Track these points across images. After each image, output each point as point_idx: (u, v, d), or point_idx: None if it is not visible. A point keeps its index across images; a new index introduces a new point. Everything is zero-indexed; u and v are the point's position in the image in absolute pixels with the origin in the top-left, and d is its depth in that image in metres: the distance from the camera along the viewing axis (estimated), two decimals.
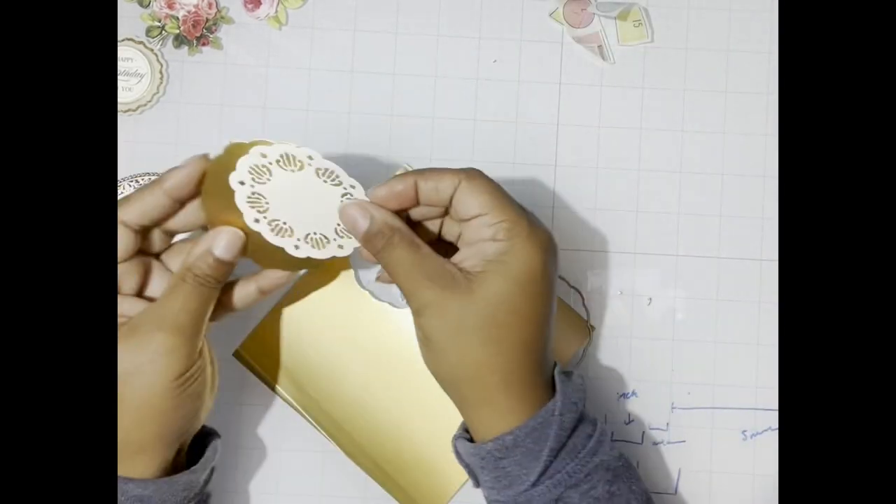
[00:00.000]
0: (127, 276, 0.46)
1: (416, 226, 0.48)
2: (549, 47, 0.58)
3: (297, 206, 0.46)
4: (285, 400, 0.55)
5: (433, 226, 0.48)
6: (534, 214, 0.46)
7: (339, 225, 0.47)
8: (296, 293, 0.55)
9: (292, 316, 0.55)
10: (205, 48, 0.57)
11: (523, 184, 0.57)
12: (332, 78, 0.57)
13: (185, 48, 0.57)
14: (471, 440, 0.47)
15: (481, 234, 0.45)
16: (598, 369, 0.56)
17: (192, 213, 0.46)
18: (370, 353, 0.55)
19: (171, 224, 0.46)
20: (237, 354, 0.55)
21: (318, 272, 0.55)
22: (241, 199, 0.45)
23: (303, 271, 0.53)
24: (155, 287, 0.47)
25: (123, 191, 0.55)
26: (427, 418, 0.54)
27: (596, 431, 0.46)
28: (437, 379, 0.46)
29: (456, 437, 0.48)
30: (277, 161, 0.47)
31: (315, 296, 0.55)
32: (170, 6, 0.57)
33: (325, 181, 0.48)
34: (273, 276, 0.48)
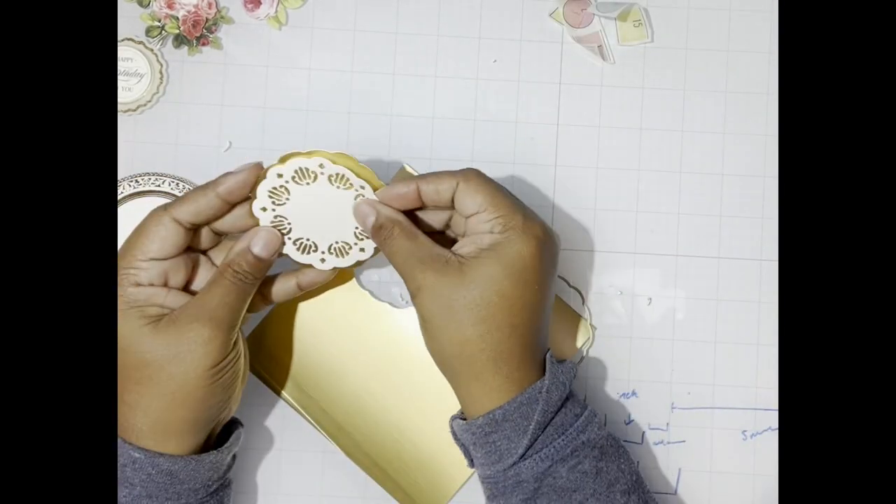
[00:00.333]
0: (175, 270, 0.48)
1: (422, 222, 0.51)
2: (549, 47, 0.58)
3: (316, 219, 0.49)
4: (285, 400, 0.55)
5: (440, 222, 0.51)
6: (531, 210, 0.49)
7: (357, 227, 0.50)
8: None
9: (293, 316, 0.55)
10: (205, 48, 0.57)
11: (523, 184, 0.57)
12: (332, 78, 0.57)
13: (185, 48, 0.57)
14: (465, 420, 0.49)
15: (480, 227, 0.48)
16: (598, 369, 0.56)
17: (241, 216, 0.49)
18: (370, 353, 0.55)
19: (221, 225, 0.49)
20: None
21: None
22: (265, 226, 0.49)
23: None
24: (200, 282, 0.50)
25: (123, 191, 0.55)
26: (427, 418, 0.54)
27: (584, 412, 0.48)
28: (433, 358, 0.49)
29: (452, 419, 0.50)
30: (293, 178, 0.49)
31: (315, 296, 0.55)
32: (170, 6, 0.57)
33: (339, 187, 0.49)
34: (312, 274, 0.51)
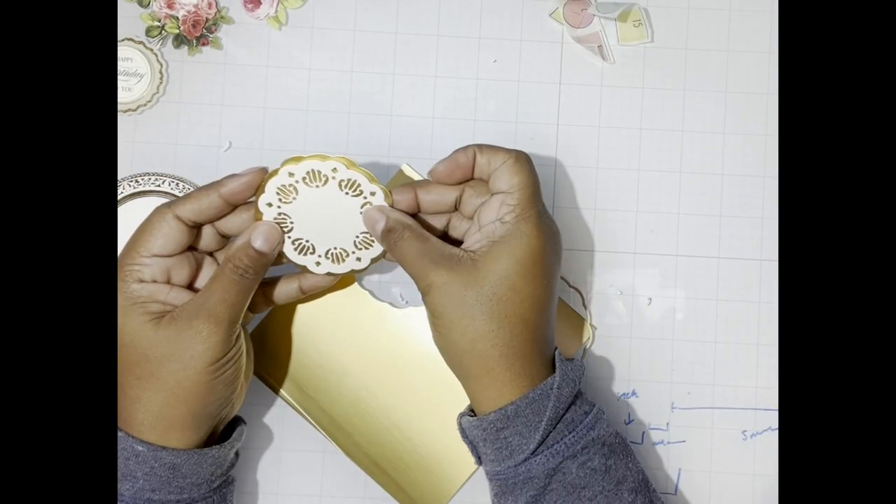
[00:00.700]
0: (179, 268, 0.48)
1: (426, 223, 0.51)
2: (549, 47, 0.58)
3: (319, 222, 0.49)
4: (285, 400, 0.55)
5: (441, 222, 0.51)
6: (547, 211, 0.49)
7: (357, 237, 0.50)
8: None
9: (292, 316, 0.55)
10: (205, 48, 0.57)
11: None
12: (332, 78, 0.57)
13: (185, 48, 0.57)
14: (474, 417, 0.49)
15: (491, 215, 0.48)
16: (598, 369, 0.56)
17: (247, 219, 0.49)
18: (370, 353, 0.55)
19: (227, 227, 0.49)
20: None
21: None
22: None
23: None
24: (203, 281, 0.50)
25: (123, 191, 0.55)
26: (427, 418, 0.55)
27: (593, 409, 0.49)
28: (443, 355, 0.49)
29: (461, 415, 0.50)
30: (304, 178, 0.49)
31: (315, 296, 0.55)
32: (170, 6, 0.57)
33: (347, 193, 0.49)
34: (315, 278, 0.51)
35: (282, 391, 0.55)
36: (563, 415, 0.47)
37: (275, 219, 0.49)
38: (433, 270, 0.47)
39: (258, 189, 0.48)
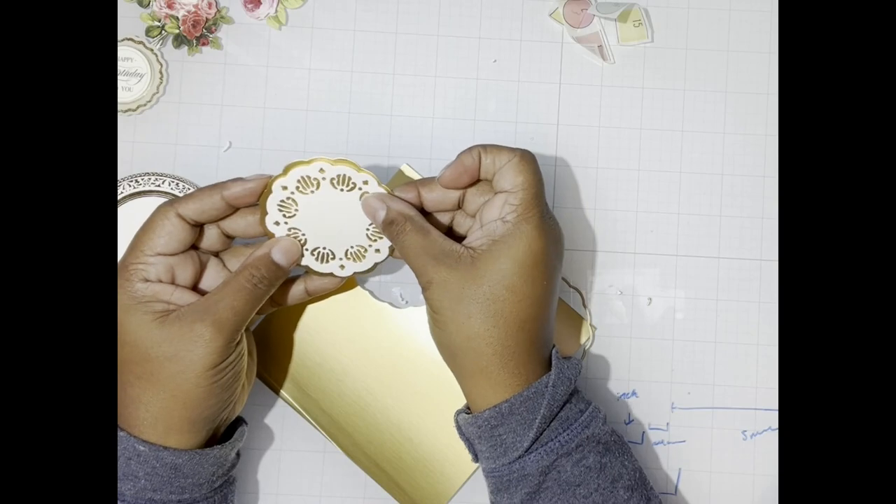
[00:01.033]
0: (183, 267, 0.48)
1: (430, 218, 0.51)
2: (549, 47, 0.58)
3: (328, 226, 0.50)
4: (285, 400, 0.55)
5: (445, 219, 0.51)
6: (551, 211, 0.49)
7: (368, 229, 0.50)
8: None
9: (293, 316, 0.55)
10: (205, 48, 0.57)
11: None
12: (332, 78, 0.57)
13: (185, 48, 0.57)
14: (470, 414, 0.49)
15: (494, 213, 0.48)
16: (598, 369, 0.56)
17: (252, 222, 0.50)
18: (370, 353, 0.55)
19: (232, 229, 0.50)
20: None
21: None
22: None
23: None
24: (208, 282, 0.50)
25: (123, 191, 0.55)
26: (427, 418, 0.55)
27: (589, 408, 0.49)
28: (440, 351, 0.49)
29: (458, 413, 0.50)
30: (297, 188, 0.49)
31: (321, 297, 0.54)
32: (170, 6, 0.57)
33: (342, 189, 0.49)
34: (320, 280, 0.52)
35: (282, 391, 0.55)
36: (558, 413, 0.48)
37: (287, 236, 0.50)
38: (433, 267, 0.47)
39: (261, 201, 0.49)
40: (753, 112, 0.57)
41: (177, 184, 0.56)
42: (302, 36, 0.57)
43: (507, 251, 0.47)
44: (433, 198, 0.50)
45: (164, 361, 0.45)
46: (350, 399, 0.55)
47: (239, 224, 0.50)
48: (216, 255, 0.51)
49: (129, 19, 0.57)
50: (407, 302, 0.56)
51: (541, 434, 0.47)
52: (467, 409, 0.50)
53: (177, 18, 0.57)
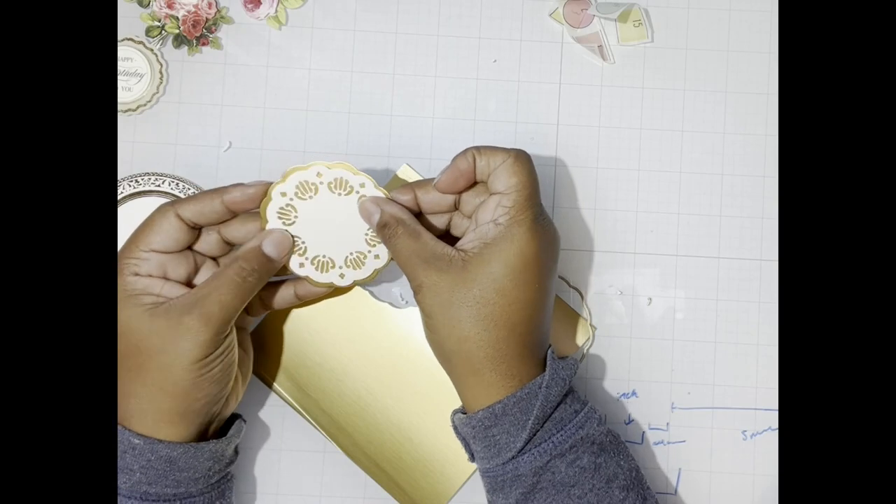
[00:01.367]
0: (175, 265, 0.49)
1: (427, 220, 0.51)
2: (549, 47, 0.58)
3: (327, 232, 0.50)
4: (285, 400, 0.55)
5: (442, 220, 0.51)
6: (546, 213, 0.49)
7: (367, 234, 0.50)
8: None
9: (292, 316, 0.55)
10: (205, 48, 0.57)
11: None
12: (332, 78, 0.57)
13: (185, 48, 0.57)
14: (465, 415, 0.49)
15: (487, 216, 0.48)
16: (598, 369, 0.56)
17: (253, 230, 0.50)
18: (370, 353, 0.55)
19: (230, 233, 0.50)
20: None
21: None
22: None
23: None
24: (200, 280, 0.50)
25: (123, 191, 0.55)
26: (427, 418, 0.55)
27: (584, 408, 0.49)
28: (434, 352, 0.49)
29: (454, 412, 0.50)
30: (296, 194, 0.49)
31: (311, 301, 0.54)
32: (170, 6, 0.57)
33: (340, 194, 0.49)
34: (309, 285, 0.52)
35: (282, 391, 0.55)
36: (552, 413, 0.48)
37: None
38: (423, 271, 0.47)
39: (262, 208, 0.49)
40: (753, 112, 0.57)
41: (177, 184, 0.56)
42: (302, 36, 0.57)
43: (498, 254, 0.46)
44: (430, 199, 0.50)
45: (152, 353, 0.46)
46: (350, 399, 0.55)
47: (239, 231, 0.50)
48: (214, 259, 0.51)
49: (129, 19, 0.57)
50: (407, 302, 0.56)
51: (534, 435, 0.47)
52: (463, 410, 0.50)
53: (177, 18, 0.57)
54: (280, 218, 0.49)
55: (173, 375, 0.46)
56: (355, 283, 0.51)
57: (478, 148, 0.49)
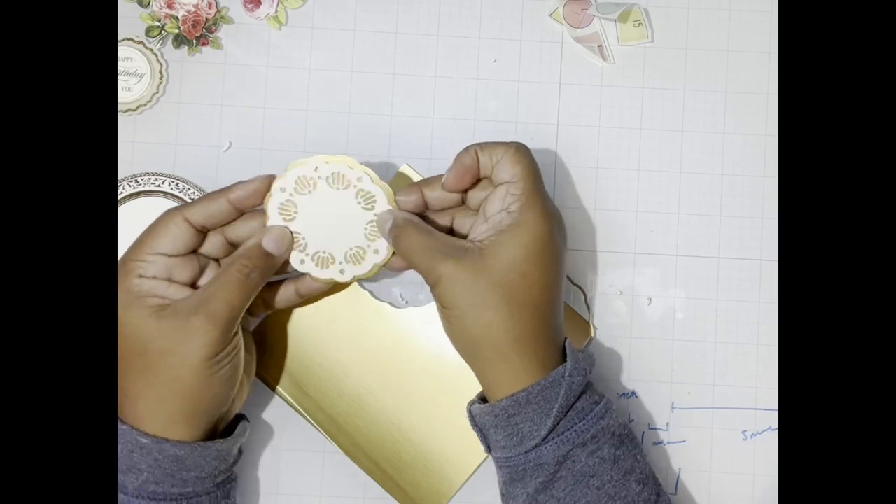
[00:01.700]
0: (181, 268, 0.49)
1: (431, 222, 0.52)
2: (549, 47, 0.58)
3: (326, 227, 0.50)
4: (285, 400, 0.55)
5: (446, 221, 0.52)
6: (550, 198, 0.50)
7: (366, 228, 0.50)
8: None
9: (292, 316, 0.55)
10: (204, 48, 0.57)
11: None
12: (332, 78, 0.57)
13: (185, 48, 0.57)
14: (485, 404, 0.49)
15: (496, 205, 0.49)
16: (599, 369, 0.56)
17: (257, 228, 0.50)
18: (370, 353, 0.55)
19: (234, 234, 0.50)
20: None
21: None
22: None
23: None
24: (204, 282, 0.50)
25: (123, 191, 0.55)
26: (427, 418, 0.54)
27: (603, 400, 0.49)
28: (456, 346, 0.49)
29: (471, 403, 0.50)
30: (295, 189, 0.49)
31: (313, 299, 0.54)
32: (170, 6, 0.57)
33: (338, 188, 0.50)
34: (309, 282, 0.52)
35: (282, 391, 0.55)
36: (574, 403, 0.48)
37: None
38: (441, 262, 0.47)
39: (264, 205, 0.49)
40: (753, 112, 0.57)
41: (177, 184, 0.56)
42: (302, 36, 0.57)
43: (516, 239, 0.47)
44: (436, 196, 0.50)
45: (161, 355, 0.46)
46: (350, 399, 0.55)
47: (242, 230, 0.50)
48: (217, 261, 0.51)
49: (129, 19, 0.57)
50: (407, 302, 0.56)
51: (557, 423, 0.47)
52: (480, 400, 0.50)
53: (177, 18, 0.57)
54: (281, 214, 0.49)
55: (182, 376, 0.46)
56: (355, 279, 0.51)
57: (479, 144, 0.50)
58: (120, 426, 0.46)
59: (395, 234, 0.49)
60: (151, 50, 0.56)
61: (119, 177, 0.56)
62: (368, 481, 0.55)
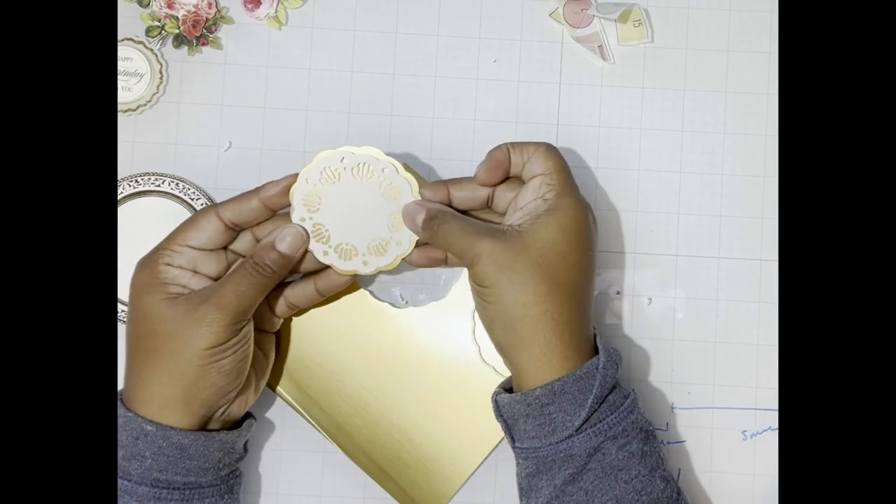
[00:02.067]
0: (208, 261, 0.50)
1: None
2: (549, 47, 0.58)
3: (350, 218, 0.50)
4: (285, 400, 0.55)
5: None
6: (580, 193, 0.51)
7: (389, 220, 0.50)
8: None
9: (293, 317, 0.55)
10: (204, 48, 0.57)
11: None
12: (332, 78, 0.57)
13: (185, 48, 0.57)
14: (512, 394, 0.49)
15: (530, 195, 0.49)
16: None
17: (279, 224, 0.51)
18: (370, 353, 0.55)
19: (262, 233, 0.51)
20: None
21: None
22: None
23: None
24: None
25: (123, 191, 0.55)
26: (428, 418, 0.54)
27: (631, 394, 0.49)
28: (491, 328, 0.49)
29: (496, 394, 0.50)
30: (320, 180, 0.50)
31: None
32: (170, 6, 0.57)
33: (362, 180, 0.50)
34: (330, 279, 0.52)
35: (282, 391, 0.55)
36: (607, 396, 0.48)
37: (312, 231, 0.50)
38: (479, 241, 0.48)
39: (290, 197, 0.50)
40: (753, 112, 0.57)
41: (177, 184, 0.56)
42: (302, 36, 0.57)
43: (554, 221, 0.48)
44: (462, 196, 0.51)
45: (166, 337, 0.47)
46: (350, 399, 0.55)
47: (268, 229, 0.51)
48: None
49: (129, 19, 0.57)
50: (407, 302, 0.56)
51: (591, 415, 0.47)
52: (505, 390, 0.50)
53: (177, 18, 0.57)
54: (305, 205, 0.50)
55: (183, 360, 0.47)
56: (378, 271, 0.51)
57: (510, 143, 0.50)
58: (125, 413, 0.47)
59: (432, 221, 0.49)
60: (151, 50, 0.56)
61: (119, 177, 0.56)
62: (368, 481, 0.55)
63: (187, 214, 0.54)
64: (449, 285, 0.55)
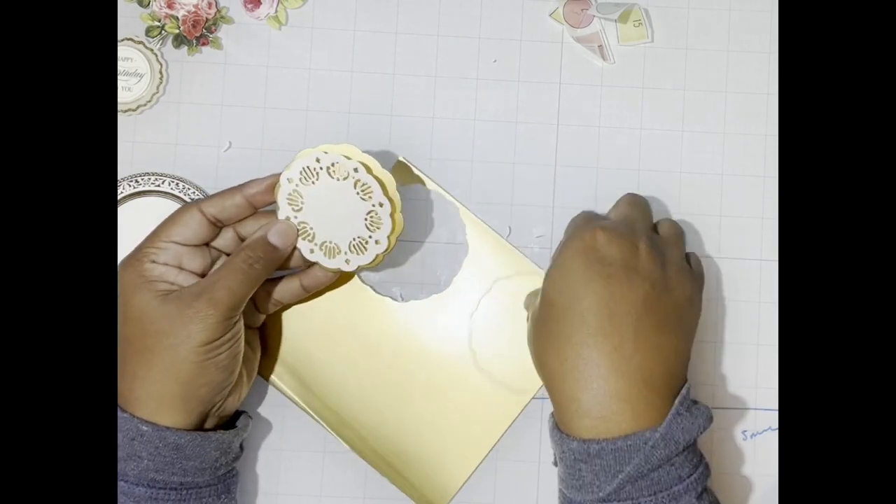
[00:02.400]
0: (192, 256, 0.50)
1: None
2: (549, 47, 0.58)
3: (330, 217, 0.50)
4: (288, 397, 0.55)
5: None
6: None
7: (366, 219, 0.50)
8: None
9: (293, 311, 0.55)
10: (204, 48, 0.57)
11: (523, 184, 0.57)
12: (332, 78, 0.57)
13: (185, 48, 0.57)
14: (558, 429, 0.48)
15: None
16: None
17: (264, 221, 0.51)
18: (372, 349, 0.55)
19: (247, 230, 0.51)
20: None
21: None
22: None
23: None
24: None
25: (123, 191, 0.55)
26: (433, 411, 0.54)
27: (691, 476, 0.45)
28: (542, 355, 0.49)
29: (552, 413, 0.49)
30: (300, 180, 0.50)
31: (319, 293, 0.54)
32: (170, 6, 0.57)
33: (338, 179, 0.50)
34: (315, 275, 0.52)
35: (285, 388, 0.55)
36: (649, 473, 0.45)
37: (298, 229, 0.51)
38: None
39: (275, 196, 0.50)
40: (753, 112, 0.57)
41: (177, 184, 0.56)
42: (302, 36, 0.57)
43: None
44: None
45: (160, 336, 0.47)
46: (353, 394, 0.55)
47: (253, 226, 0.51)
48: (228, 255, 0.52)
49: (129, 19, 0.57)
50: (406, 301, 0.56)
51: (622, 488, 0.45)
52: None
53: (177, 18, 0.57)
54: (290, 204, 0.50)
55: (179, 359, 0.47)
56: (360, 269, 0.51)
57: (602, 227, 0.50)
58: (121, 414, 0.47)
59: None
60: (151, 50, 0.56)
61: (119, 177, 0.56)
62: (368, 481, 0.55)
63: None
64: (449, 282, 0.56)
